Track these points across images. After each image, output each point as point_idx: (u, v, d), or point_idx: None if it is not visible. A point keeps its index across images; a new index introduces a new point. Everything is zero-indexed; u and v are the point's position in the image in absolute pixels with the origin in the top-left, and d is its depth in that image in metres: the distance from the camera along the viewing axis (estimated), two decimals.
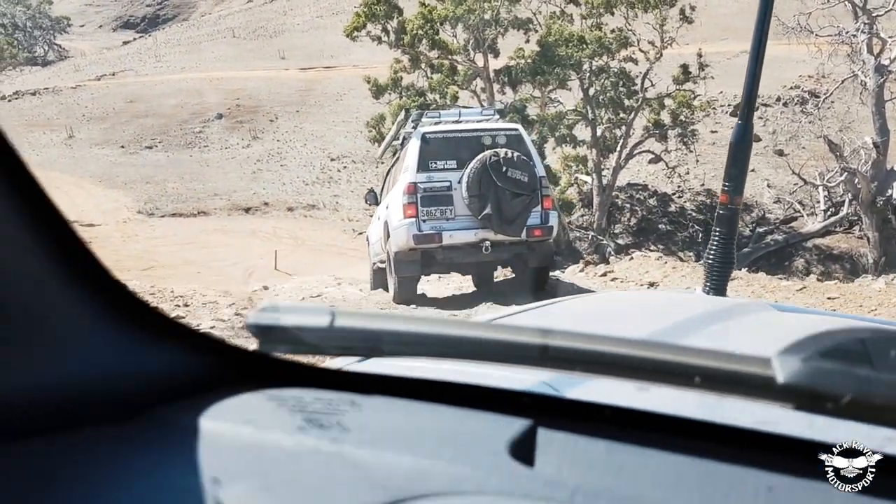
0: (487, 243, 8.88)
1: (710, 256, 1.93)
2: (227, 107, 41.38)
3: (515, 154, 8.82)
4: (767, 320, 1.52)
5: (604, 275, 11.19)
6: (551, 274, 10.51)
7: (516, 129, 9.48)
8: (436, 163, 8.92)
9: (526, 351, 0.74)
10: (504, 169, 8.70)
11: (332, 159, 34.55)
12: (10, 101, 43.41)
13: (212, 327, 6.00)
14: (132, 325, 0.81)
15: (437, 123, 9.59)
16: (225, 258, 21.16)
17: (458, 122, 9.81)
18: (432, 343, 0.78)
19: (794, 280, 12.46)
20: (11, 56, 48.56)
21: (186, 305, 7.38)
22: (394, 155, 10.92)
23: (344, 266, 17.37)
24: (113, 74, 53.44)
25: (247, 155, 35.93)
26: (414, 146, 9.05)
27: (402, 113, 10.18)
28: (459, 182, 8.85)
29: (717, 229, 1.96)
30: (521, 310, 1.49)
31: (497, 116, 10.24)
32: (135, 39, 74.88)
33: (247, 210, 29.24)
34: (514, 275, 10.40)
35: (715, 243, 1.94)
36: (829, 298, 8.51)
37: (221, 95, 42.89)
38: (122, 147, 36.86)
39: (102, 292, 0.79)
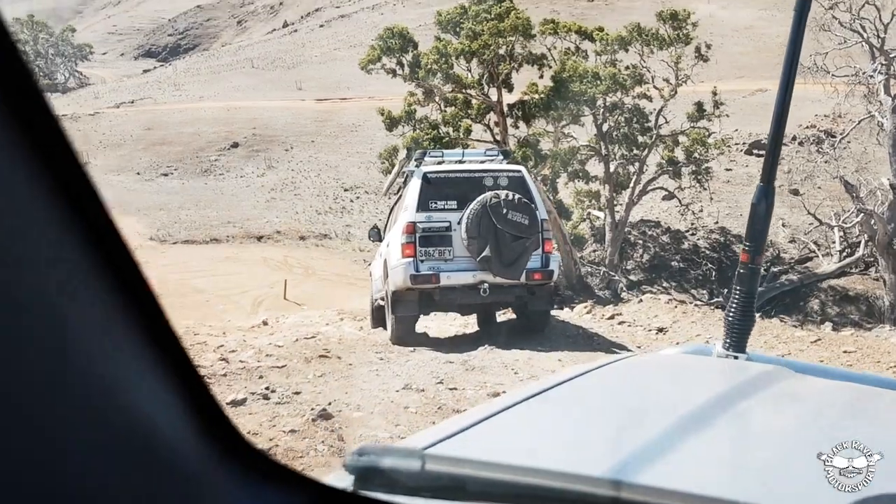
0: (486, 286, 8.65)
1: (731, 314, 1.93)
2: (244, 136, 41.72)
3: (516, 196, 8.61)
4: (790, 391, 1.60)
5: (611, 317, 10.94)
6: (553, 313, 10.31)
7: (519, 171, 9.29)
8: (436, 203, 8.76)
9: (598, 501, 0.82)
10: (504, 211, 8.50)
11: (346, 189, 34.65)
12: None
13: None
14: (238, 467, 0.80)
15: (439, 163, 9.46)
16: (235, 286, 21.12)
17: (460, 161, 9.67)
18: (512, 490, 0.85)
19: (809, 328, 12.14)
20: None
21: None
22: (398, 192, 10.82)
23: (353, 297, 17.24)
24: (132, 102, 54.10)
25: (261, 183, 36.11)
26: (414, 185, 8.89)
27: (405, 152, 10.06)
28: (459, 223, 8.66)
29: (738, 288, 1.95)
30: (530, 394, 1.44)
31: (501, 157, 10.08)
32: (155, 68, 76.03)
33: (259, 238, 29.29)
34: (516, 315, 10.20)
35: (735, 301, 1.94)
36: (845, 352, 8.22)
37: (238, 124, 43.28)
38: (138, 174, 37.16)
39: (214, 431, 0.77)
